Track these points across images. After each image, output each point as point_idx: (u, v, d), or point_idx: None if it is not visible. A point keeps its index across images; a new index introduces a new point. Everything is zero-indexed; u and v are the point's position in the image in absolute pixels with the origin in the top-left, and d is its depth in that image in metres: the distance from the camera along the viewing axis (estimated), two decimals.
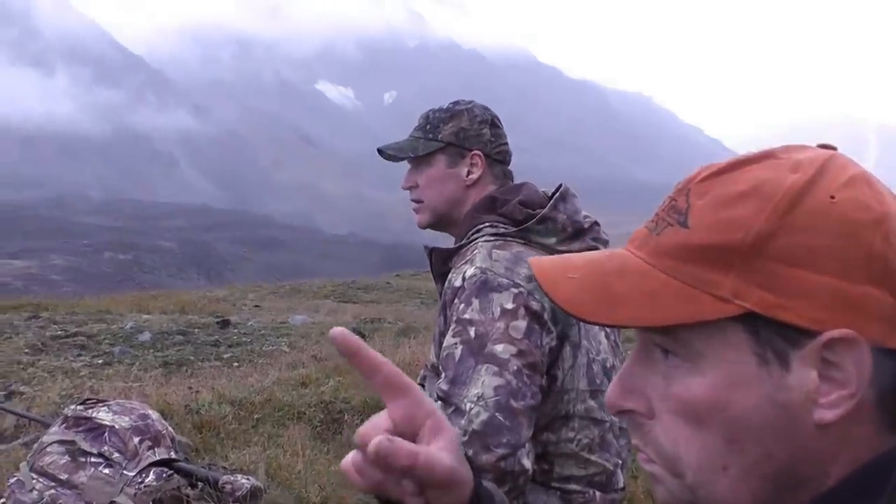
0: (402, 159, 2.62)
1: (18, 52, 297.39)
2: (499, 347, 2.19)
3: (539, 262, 0.88)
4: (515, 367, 2.18)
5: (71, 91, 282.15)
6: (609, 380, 2.44)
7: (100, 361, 9.10)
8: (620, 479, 2.50)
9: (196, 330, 11.67)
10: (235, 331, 12.02)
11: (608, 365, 2.47)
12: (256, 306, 18.24)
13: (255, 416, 5.99)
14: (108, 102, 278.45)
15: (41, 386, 7.44)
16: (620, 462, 2.49)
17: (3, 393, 7.68)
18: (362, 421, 5.80)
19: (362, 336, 11.69)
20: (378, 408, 5.33)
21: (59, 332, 10.64)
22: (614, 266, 0.88)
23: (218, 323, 12.56)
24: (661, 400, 0.89)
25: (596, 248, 2.42)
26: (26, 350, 9.46)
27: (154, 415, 4.66)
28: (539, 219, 2.41)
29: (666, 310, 0.83)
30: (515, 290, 2.25)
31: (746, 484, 0.85)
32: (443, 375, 2.25)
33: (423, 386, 2.57)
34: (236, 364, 9.12)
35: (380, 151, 2.64)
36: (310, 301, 21.89)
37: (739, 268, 0.82)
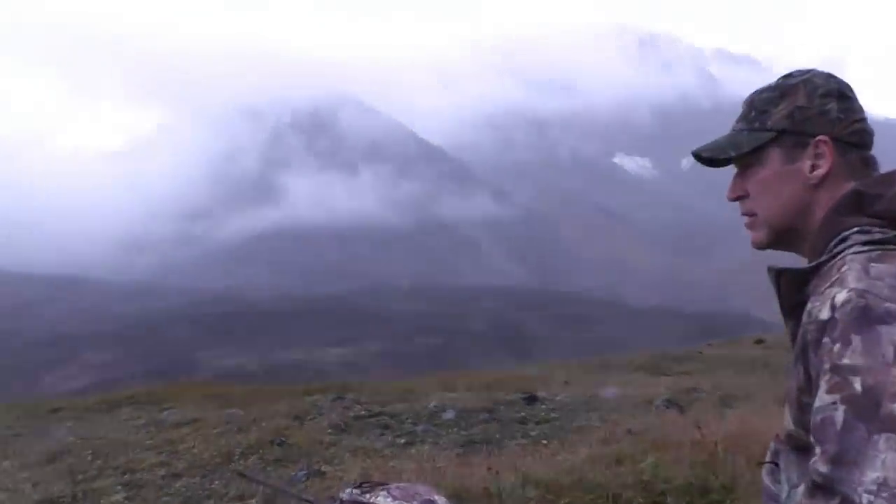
0: (723, 162, 1.98)
1: (327, 159, 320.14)
2: None
3: None
4: None
5: (375, 188, 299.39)
6: None
7: (402, 441, 8.78)
8: None
9: (502, 407, 11.20)
10: (543, 406, 11.44)
11: None
12: (566, 382, 17.67)
13: (564, 501, 5.26)
14: (411, 195, 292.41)
15: (342, 465, 7.15)
16: None
17: (305, 472, 7.52)
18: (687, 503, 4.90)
19: (679, 407, 10.78)
20: (704, 489, 4.28)
21: (363, 412, 10.50)
22: None
23: (524, 399, 12.03)
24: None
25: None
26: (329, 430, 9.34)
27: (441, 500, 4.06)
28: None
29: None
30: None
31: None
32: (818, 450, 1.58)
33: (776, 465, 1.94)
34: (544, 441, 8.47)
35: (696, 156, 2.01)
36: (620, 375, 21.16)
37: None
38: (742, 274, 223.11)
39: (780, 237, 1.94)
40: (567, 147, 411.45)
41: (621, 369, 23.44)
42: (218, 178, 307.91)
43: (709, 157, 1.98)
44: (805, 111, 1.89)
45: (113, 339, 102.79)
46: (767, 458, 1.98)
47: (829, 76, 1.95)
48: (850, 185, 1.86)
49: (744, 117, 1.98)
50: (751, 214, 1.96)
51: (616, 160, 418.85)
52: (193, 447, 9.61)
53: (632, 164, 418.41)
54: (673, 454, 6.15)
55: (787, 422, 1.81)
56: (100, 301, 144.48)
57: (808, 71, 1.97)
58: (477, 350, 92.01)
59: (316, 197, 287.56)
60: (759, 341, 28.07)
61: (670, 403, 10.89)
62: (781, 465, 1.90)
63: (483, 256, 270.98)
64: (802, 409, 1.71)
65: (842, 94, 1.92)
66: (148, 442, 10.36)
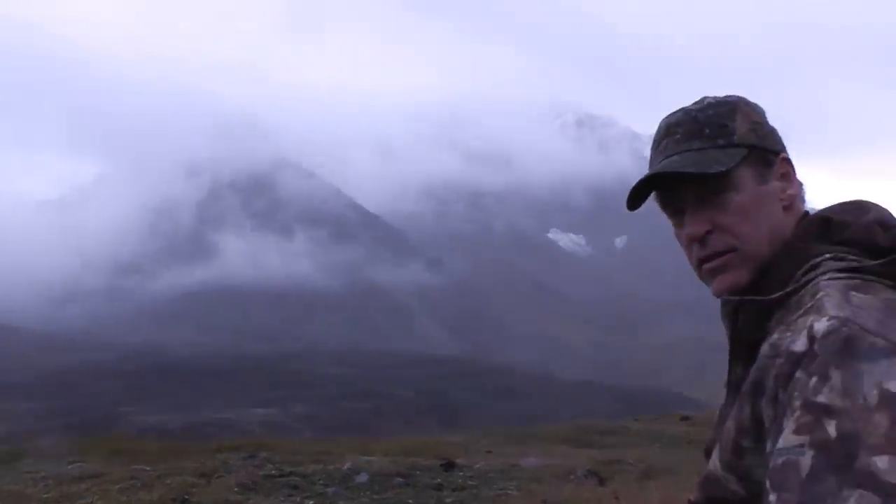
0: (670, 197, 1.66)
1: (262, 220, 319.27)
2: (881, 462, 1.21)
3: None
4: None
5: (309, 251, 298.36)
6: None
7: (311, 503, 8.41)
8: None
9: (418, 472, 10.90)
10: (461, 474, 11.17)
11: None
12: (488, 451, 17.43)
13: None
14: (346, 260, 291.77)
15: None
16: None
17: None
18: None
19: (599, 479, 10.60)
20: None
21: (273, 472, 10.14)
22: None
23: (442, 465, 11.73)
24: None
25: None
26: (236, 489, 8.97)
27: None
28: None
29: None
30: None
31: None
32: (773, 497, 1.27)
33: None
34: None
35: (644, 184, 1.66)
36: (544, 445, 21.00)
37: None
38: (671, 352, 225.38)
39: (761, 273, 1.58)
40: (503, 221, 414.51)
41: (546, 440, 23.27)
42: (152, 233, 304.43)
43: (688, 174, 1.58)
44: (762, 127, 1.64)
45: (35, 390, 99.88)
46: None
47: None
48: (803, 210, 1.65)
49: (692, 134, 1.62)
50: (726, 252, 1.59)
51: (551, 235, 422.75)
52: (91, 503, 9.15)
53: (566, 240, 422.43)
54: None
55: (713, 464, 1.52)
56: (24, 351, 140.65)
57: (730, 95, 1.69)
58: (403, 417, 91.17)
59: (249, 257, 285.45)
60: (685, 418, 28.22)
61: (590, 474, 10.69)
62: None
63: (415, 325, 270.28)
64: (739, 454, 1.47)
65: None
66: (44, 496, 9.85)
